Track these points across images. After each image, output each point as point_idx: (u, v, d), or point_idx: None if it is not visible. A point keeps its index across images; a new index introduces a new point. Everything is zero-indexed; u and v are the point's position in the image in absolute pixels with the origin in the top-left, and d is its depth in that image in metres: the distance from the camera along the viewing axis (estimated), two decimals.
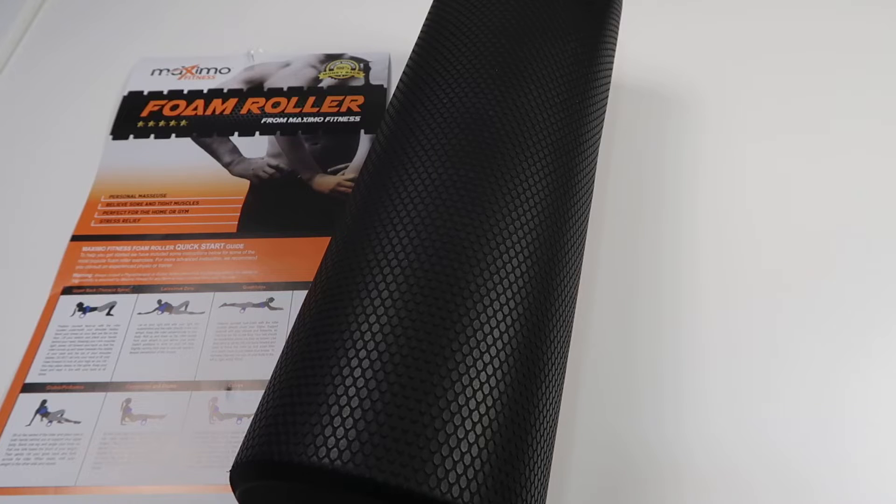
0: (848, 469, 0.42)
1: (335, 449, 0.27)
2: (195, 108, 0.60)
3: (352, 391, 0.28)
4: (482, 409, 0.28)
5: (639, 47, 0.63)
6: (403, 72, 0.44)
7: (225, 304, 0.49)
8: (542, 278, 0.33)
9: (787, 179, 0.55)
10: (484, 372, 0.29)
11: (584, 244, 0.40)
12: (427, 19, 0.46)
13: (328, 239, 0.54)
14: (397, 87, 0.43)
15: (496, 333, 0.30)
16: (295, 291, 0.49)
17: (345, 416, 0.27)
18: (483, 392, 0.29)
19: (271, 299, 0.49)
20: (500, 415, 0.29)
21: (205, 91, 0.61)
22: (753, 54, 0.63)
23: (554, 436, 0.34)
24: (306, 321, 0.33)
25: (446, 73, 0.40)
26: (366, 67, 0.63)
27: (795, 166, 0.56)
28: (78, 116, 0.61)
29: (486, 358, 0.29)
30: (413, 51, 0.45)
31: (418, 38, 0.45)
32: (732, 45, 0.64)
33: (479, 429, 0.28)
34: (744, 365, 0.46)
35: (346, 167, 0.56)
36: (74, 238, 0.52)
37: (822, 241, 0.52)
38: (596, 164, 0.43)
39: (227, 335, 0.47)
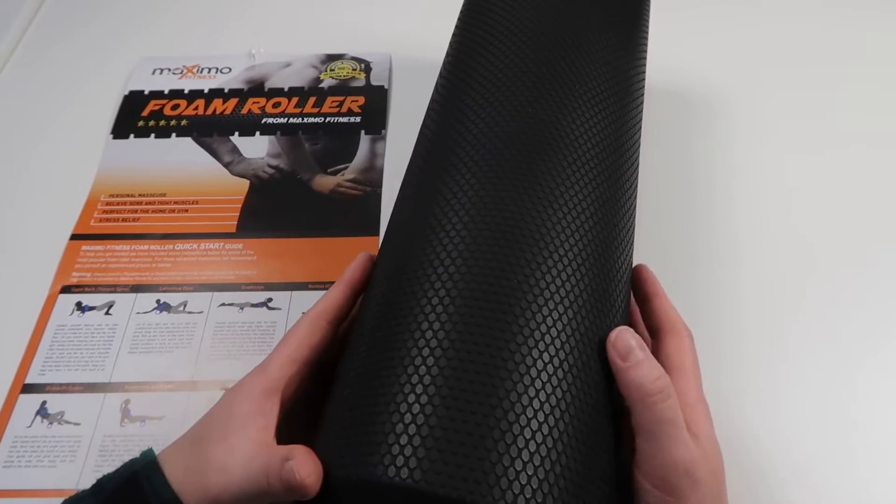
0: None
1: (405, 468, 0.27)
2: (196, 108, 0.60)
3: (416, 408, 0.28)
4: (550, 422, 0.29)
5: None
6: (441, 76, 0.43)
7: (223, 304, 0.49)
8: (594, 293, 0.33)
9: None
10: (549, 383, 0.29)
11: (630, 267, 0.39)
12: (463, 13, 0.45)
13: (328, 239, 0.54)
14: (437, 85, 0.42)
15: (557, 343, 0.30)
16: (293, 292, 0.49)
17: (411, 433, 0.28)
18: (550, 404, 0.29)
19: (270, 299, 0.49)
20: (569, 426, 0.29)
21: (206, 91, 0.61)
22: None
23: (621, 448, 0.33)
24: (363, 337, 0.33)
25: (487, 83, 0.39)
26: (367, 68, 0.63)
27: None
28: (78, 115, 0.61)
29: (550, 369, 0.30)
30: (449, 53, 0.43)
31: (456, 35, 0.44)
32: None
33: (549, 441, 0.28)
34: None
35: (345, 167, 0.56)
36: (74, 237, 0.52)
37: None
38: (637, 178, 0.42)
39: (226, 335, 0.47)
